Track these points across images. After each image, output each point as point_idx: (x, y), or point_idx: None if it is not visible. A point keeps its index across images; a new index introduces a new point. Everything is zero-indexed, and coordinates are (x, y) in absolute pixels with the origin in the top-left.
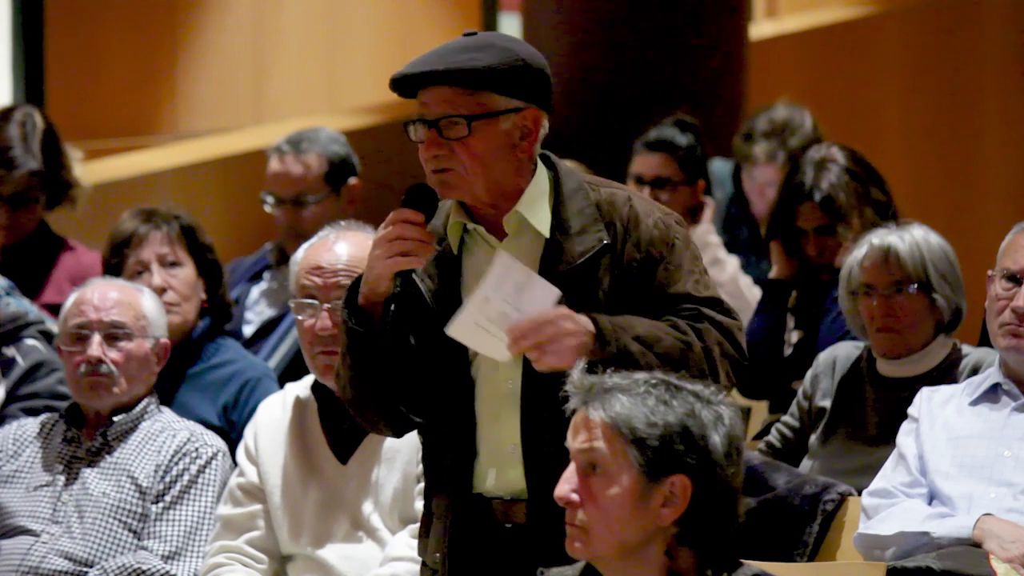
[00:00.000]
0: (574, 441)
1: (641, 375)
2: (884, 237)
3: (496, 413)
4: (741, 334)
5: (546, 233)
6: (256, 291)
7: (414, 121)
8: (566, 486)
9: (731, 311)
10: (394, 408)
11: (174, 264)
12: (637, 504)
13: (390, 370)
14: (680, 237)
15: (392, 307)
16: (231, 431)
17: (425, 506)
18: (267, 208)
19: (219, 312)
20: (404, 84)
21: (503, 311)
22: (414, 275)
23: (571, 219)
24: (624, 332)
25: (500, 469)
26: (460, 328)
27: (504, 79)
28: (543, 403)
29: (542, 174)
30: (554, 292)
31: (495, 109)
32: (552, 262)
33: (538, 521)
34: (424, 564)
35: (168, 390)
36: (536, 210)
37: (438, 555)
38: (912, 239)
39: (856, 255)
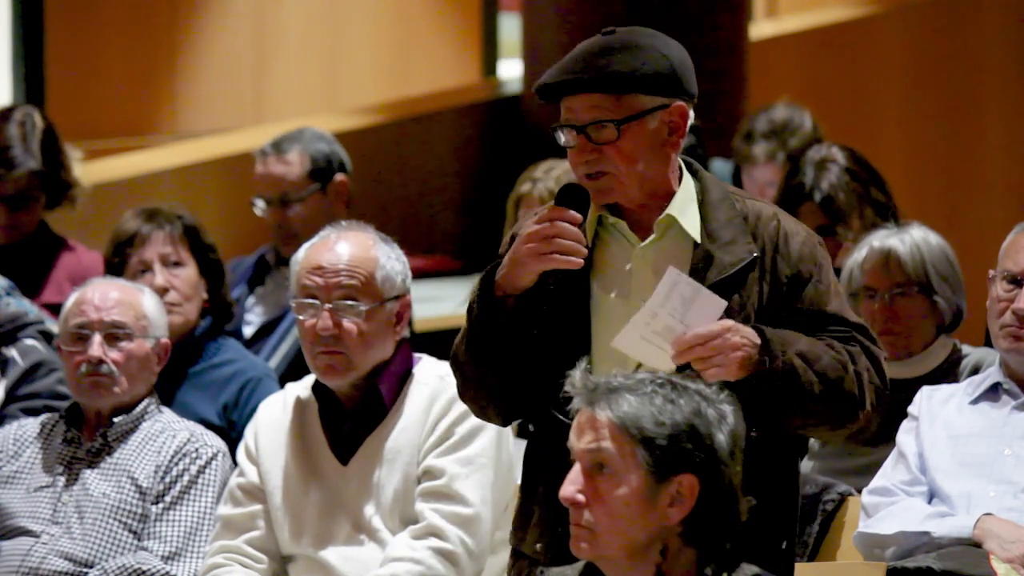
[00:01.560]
0: (579, 441)
1: (645, 374)
2: (884, 239)
3: None
4: (886, 365)
5: (697, 239)
6: (255, 295)
7: (561, 126)
8: (571, 487)
9: (876, 340)
10: (508, 397)
11: (177, 264)
12: (645, 504)
13: (511, 360)
14: (826, 259)
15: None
16: (231, 431)
17: (523, 497)
18: (257, 212)
19: (220, 312)
20: (548, 91)
21: (669, 325)
22: None
23: (720, 228)
24: (789, 347)
25: None
26: (624, 341)
27: (649, 79)
28: None
29: (688, 180)
30: (720, 303)
31: (642, 109)
32: (703, 270)
33: None
34: (520, 555)
35: (169, 390)
36: (687, 215)
37: (539, 545)
38: (912, 241)
39: (856, 258)
